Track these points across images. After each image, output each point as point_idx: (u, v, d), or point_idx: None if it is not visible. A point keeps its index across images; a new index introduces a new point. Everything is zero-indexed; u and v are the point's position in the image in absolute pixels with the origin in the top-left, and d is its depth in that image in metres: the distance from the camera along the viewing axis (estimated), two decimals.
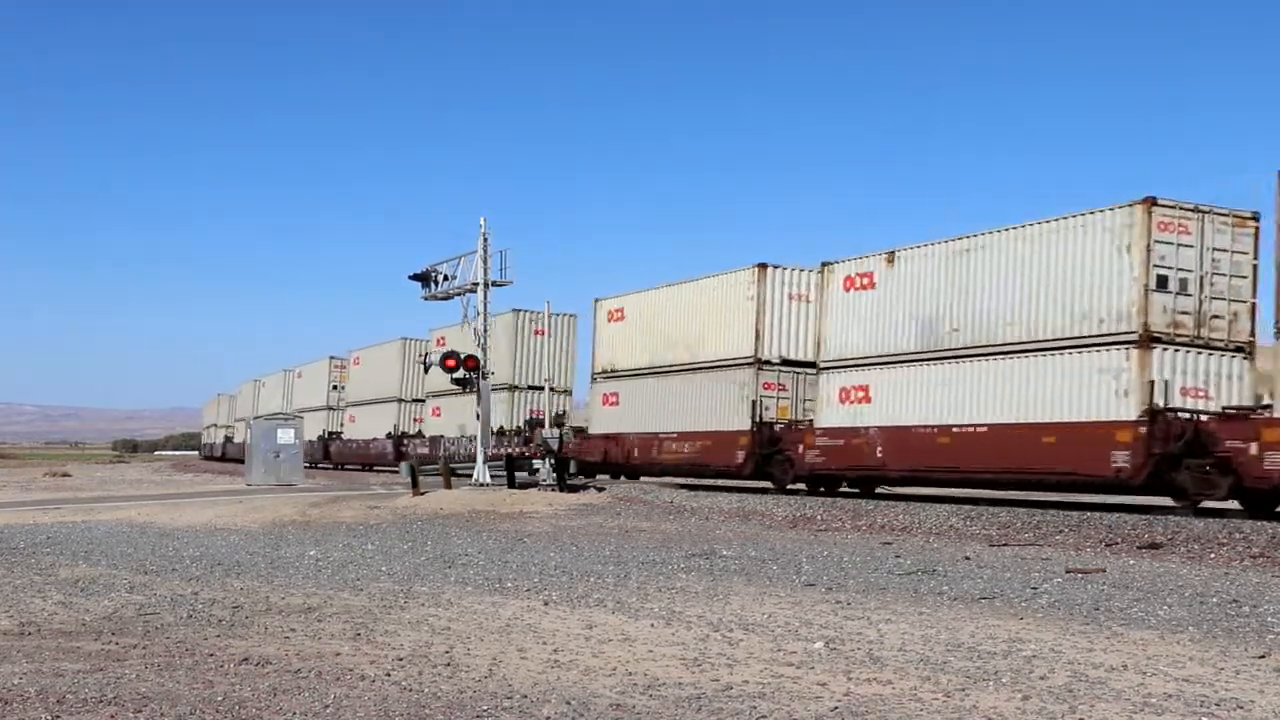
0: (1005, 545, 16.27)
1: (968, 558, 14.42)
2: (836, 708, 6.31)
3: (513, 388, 41.41)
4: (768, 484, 28.64)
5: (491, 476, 31.07)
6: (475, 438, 32.47)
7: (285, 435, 35.64)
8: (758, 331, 28.41)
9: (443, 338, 42.78)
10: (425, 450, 46.29)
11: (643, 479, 33.46)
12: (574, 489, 28.81)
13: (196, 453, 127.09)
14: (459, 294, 33.38)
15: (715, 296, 30.33)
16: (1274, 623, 9.27)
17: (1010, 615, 9.69)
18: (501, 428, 39.33)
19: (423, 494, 26.22)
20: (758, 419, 28.04)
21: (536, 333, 41.06)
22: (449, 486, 28.66)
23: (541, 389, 39.04)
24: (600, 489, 29.23)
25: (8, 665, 7.48)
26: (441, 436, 45.90)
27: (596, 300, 35.71)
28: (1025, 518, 19.16)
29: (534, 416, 38.74)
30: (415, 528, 19.40)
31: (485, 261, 31.81)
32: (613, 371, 34.37)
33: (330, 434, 60.74)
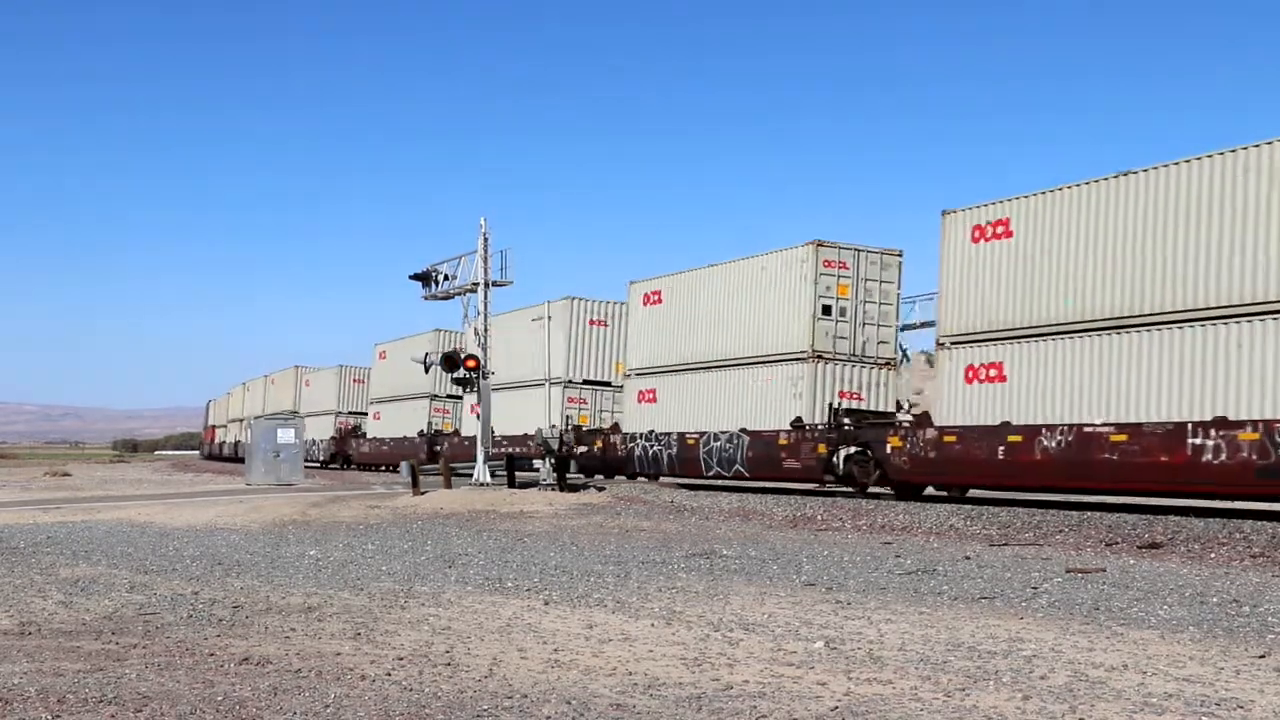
0: (1005, 545, 16.27)
1: (968, 557, 14.42)
2: (836, 707, 6.31)
3: (568, 383, 37.21)
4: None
5: (492, 476, 31.14)
6: (534, 434, 31.31)
7: (285, 435, 35.72)
8: None
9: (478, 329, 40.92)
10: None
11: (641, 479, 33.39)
12: (574, 488, 28.84)
13: (197, 453, 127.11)
14: (459, 294, 33.50)
15: None
16: (1274, 622, 9.27)
17: (1010, 615, 9.69)
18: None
19: (423, 494, 26.25)
20: None
21: (592, 323, 37.47)
22: (449, 486, 28.70)
23: (605, 384, 36.95)
24: (600, 488, 29.24)
25: (8, 665, 7.48)
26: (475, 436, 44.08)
27: None
28: (1025, 518, 19.14)
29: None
30: (415, 527, 19.40)
31: (485, 261, 31.94)
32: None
33: (344, 432, 58.33)
